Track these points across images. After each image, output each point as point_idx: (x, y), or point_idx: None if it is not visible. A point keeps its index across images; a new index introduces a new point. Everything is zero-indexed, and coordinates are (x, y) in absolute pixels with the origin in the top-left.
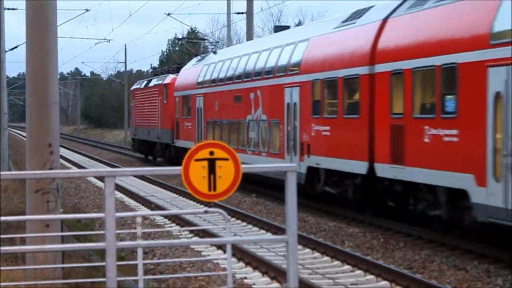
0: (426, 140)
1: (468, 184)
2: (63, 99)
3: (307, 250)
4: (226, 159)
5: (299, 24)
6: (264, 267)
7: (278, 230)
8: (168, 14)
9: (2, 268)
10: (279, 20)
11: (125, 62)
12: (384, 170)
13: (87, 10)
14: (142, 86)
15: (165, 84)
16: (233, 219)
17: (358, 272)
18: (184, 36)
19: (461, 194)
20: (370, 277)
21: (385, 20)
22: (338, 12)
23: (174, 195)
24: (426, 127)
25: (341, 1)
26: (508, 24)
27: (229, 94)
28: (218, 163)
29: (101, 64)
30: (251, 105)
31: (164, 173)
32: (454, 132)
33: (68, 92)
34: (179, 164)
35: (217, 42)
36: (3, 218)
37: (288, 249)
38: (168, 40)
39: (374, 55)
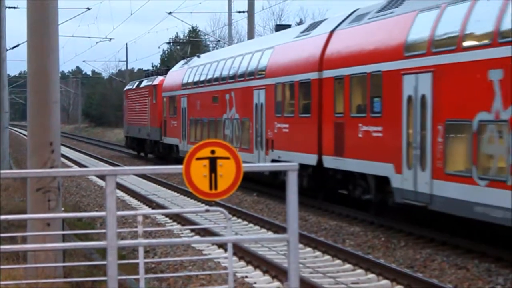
0: (360, 135)
1: (389, 172)
2: (64, 97)
3: (308, 249)
4: (227, 158)
5: (300, 23)
6: (265, 266)
7: (279, 229)
8: (169, 13)
9: (3, 266)
10: (280, 19)
11: (126, 61)
12: (329, 161)
13: (88, 9)
14: (134, 86)
15: (154, 85)
16: (234, 218)
17: (359, 271)
18: (185, 35)
19: (385, 181)
20: (371, 276)
21: (331, 32)
22: (338, 11)
23: (175, 194)
24: (360, 124)
25: (341, 0)
26: (417, 38)
27: (208, 95)
28: (219, 162)
29: (102, 63)
30: (227, 105)
31: (165, 172)
32: (379, 129)
33: (69, 90)
34: (167, 159)
35: (218, 41)
36: (4, 217)
37: (289, 248)
38: (169, 38)
39: (322, 63)
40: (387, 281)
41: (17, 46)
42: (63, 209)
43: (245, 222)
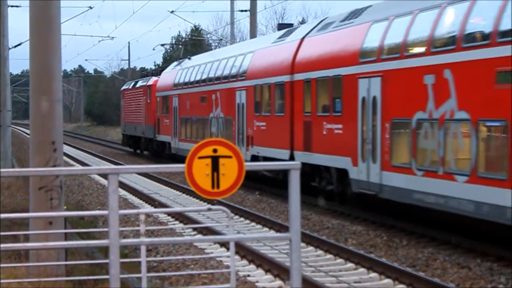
0: (324, 132)
1: (348, 165)
2: (66, 96)
3: (311, 248)
4: (230, 157)
5: (303, 21)
6: (267, 264)
7: (281, 228)
8: (172, 12)
9: (5, 265)
10: (282, 18)
11: (129, 60)
12: (299, 156)
13: (91, 8)
14: (130, 87)
15: (149, 86)
16: (237, 216)
17: (361, 270)
18: (188, 33)
19: (345, 173)
20: (373, 275)
21: (302, 39)
22: (341, 10)
23: (178, 192)
24: (324, 122)
25: (343, 0)
26: (370, 47)
27: (197, 95)
28: (221, 160)
29: (105, 61)
30: (213, 105)
31: (167, 171)
32: (340, 126)
33: (72, 89)
34: (160, 156)
35: (221, 39)
36: (6, 215)
37: (291, 246)
38: (172, 37)
39: (293, 67)
40: (389, 280)
41: (19, 44)
42: (65, 207)
43: (247, 221)
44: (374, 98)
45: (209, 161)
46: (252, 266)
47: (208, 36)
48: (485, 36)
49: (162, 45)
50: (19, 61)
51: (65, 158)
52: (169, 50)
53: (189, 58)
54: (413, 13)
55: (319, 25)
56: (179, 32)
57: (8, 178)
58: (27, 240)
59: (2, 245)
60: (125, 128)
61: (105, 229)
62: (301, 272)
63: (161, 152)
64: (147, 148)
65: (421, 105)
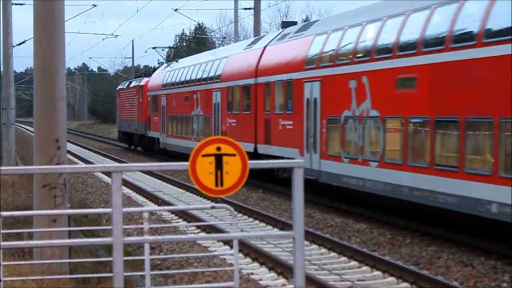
0: (280, 128)
1: (297, 155)
2: (70, 94)
3: (314, 246)
4: (233, 155)
5: (307, 19)
6: (270, 262)
7: (285, 226)
8: (176, 10)
9: (9, 263)
10: (286, 16)
11: (132, 58)
12: (261, 148)
13: (95, 6)
14: (125, 86)
15: (141, 86)
16: (240, 214)
17: (365, 268)
18: (192, 31)
19: None
20: (377, 273)
21: (265, 47)
22: (344, 8)
23: (181, 190)
24: (280, 119)
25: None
26: (313, 55)
27: (181, 95)
28: (225, 158)
29: (109, 59)
30: (194, 104)
31: (171, 169)
32: (291, 123)
33: (75, 87)
34: (151, 150)
35: (224, 38)
36: (10, 213)
37: (295, 244)
38: (175, 35)
39: (257, 71)
40: (393, 278)
41: (23, 42)
42: (69, 205)
43: (251, 219)
44: (315, 99)
45: (212, 159)
46: (256, 264)
47: (212, 34)
48: (389, 50)
49: (154, 48)
50: (23, 59)
51: (68, 156)
52: (172, 49)
53: (177, 61)
54: (344, 28)
55: (278, 36)
56: (183, 30)
57: (12, 176)
58: (31, 238)
59: (6, 243)
60: (120, 125)
61: (109, 227)
62: (305, 270)
63: (151, 147)
64: (139, 144)
65: (347, 105)
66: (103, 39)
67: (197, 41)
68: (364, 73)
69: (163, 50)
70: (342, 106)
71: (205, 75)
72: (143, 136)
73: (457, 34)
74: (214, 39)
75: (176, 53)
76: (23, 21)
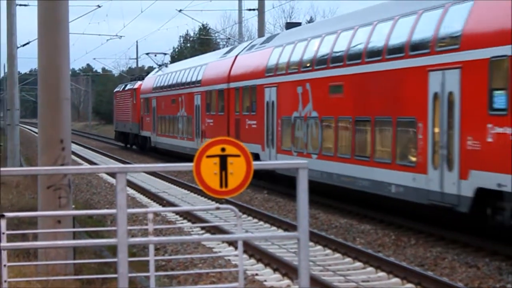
0: (247, 127)
1: (259, 150)
2: (74, 95)
3: (319, 247)
4: (238, 156)
5: (311, 20)
6: (275, 263)
7: (290, 227)
8: (180, 11)
9: (14, 264)
10: (290, 17)
11: (137, 59)
12: None
13: (99, 6)
14: (121, 89)
15: (134, 89)
16: (245, 215)
17: (370, 269)
18: (196, 32)
19: (258, 157)
20: (382, 274)
21: (236, 56)
22: (348, 9)
23: (186, 191)
24: (247, 119)
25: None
26: (271, 65)
27: (169, 98)
28: (229, 159)
29: (113, 60)
30: (179, 106)
31: (175, 170)
32: (255, 122)
33: (80, 88)
34: (144, 148)
35: (229, 38)
36: (15, 214)
37: (300, 245)
38: (180, 36)
39: (229, 78)
40: (398, 279)
41: (28, 43)
42: (73, 206)
43: (256, 220)
44: (273, 102)
45: (217, 160)
46: (260, 265)
47: (216, 35)
48: (324, 61)
49: (147, 54)
50: (27, 60)
51: (73, 157)
52: (176, 50)
53: (166, 66)
54: (294, 42)
55: (248, 46)
56: (187, 31)
57: (16, 176)
58: (36, 238)
59: (11, 244)
60: (117, 125)
61: (114, 228)
62: (309, 271)
63: (144, 146)
64: (134, 143)
65: (296, 107)
66: (107, 40)
67: (201, 42)
68: (308, 81)
69: (155, 55)
70: (292, 108)
71: (188, 80)
72: (136, 135)
73: (369, 51)
74: (218, 40)
75: (181, 54)
76: (27, 22)
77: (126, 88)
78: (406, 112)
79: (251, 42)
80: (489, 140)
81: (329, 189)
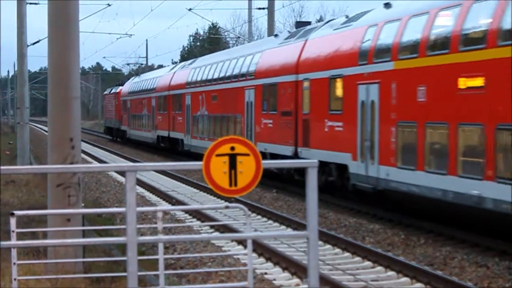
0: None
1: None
2: (84, 93)
3: (328, 246)
4: (247, 155)
5: (320, 19)
6: (284, 262)
7: (299, 226)
8: (190, 9)
9: (23, 262)
10: (300, 16)
11: (146, 57)
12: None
13: (109, 5)
14: (109, 92)
15: (117, 93)
16: (254, 214)
17: (379, 268)
18: (205, 31)
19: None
20: (391, 273)
21: (174, 72)
22: (359, 9)
23: (195, 190)
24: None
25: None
26: (252, 69)
27: (138, 100)
28: (239, 158)
29: (123, 59)
30: (144, 107)
31: (185, 168)
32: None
33: (90, 86)
34: (123, 139)
35: (238, 37)
36: (24, 212)
37: (309, 245)
38: (189, 35)
39: (175, 86)
40: (407, 279)
41: (37, 42)
42: (83, 204)
43: (265, 219)
44: (251, 103)
45: (226, 159)
46: (270, 264)
47: (226, 34)
48: (242, 75)
49: (127, 64)
50: (37, 58)
51: (82, 155)
52: (186, 48)
53: (139, 76)
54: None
55: (194, 63)
56: (197, 29)
57: (26, 175)
58: (45, 237)
59: (20, 242)
60: (105, 121)
61: (123, 227)
62: (319, 270)
63: (123, 137)
64: (117, 136)
65: (199, 108)
66: (117, 38)
67: (211, 41)
68: (204, 92)
69: (135, 65)
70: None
71: (148, 87)
72: (118, 129)
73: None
74: (228, 39)
75: (190, 52)
76: (37, 20)
77: (112, 92)
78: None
79: (203, 55)
80: None
81: (407, 204)
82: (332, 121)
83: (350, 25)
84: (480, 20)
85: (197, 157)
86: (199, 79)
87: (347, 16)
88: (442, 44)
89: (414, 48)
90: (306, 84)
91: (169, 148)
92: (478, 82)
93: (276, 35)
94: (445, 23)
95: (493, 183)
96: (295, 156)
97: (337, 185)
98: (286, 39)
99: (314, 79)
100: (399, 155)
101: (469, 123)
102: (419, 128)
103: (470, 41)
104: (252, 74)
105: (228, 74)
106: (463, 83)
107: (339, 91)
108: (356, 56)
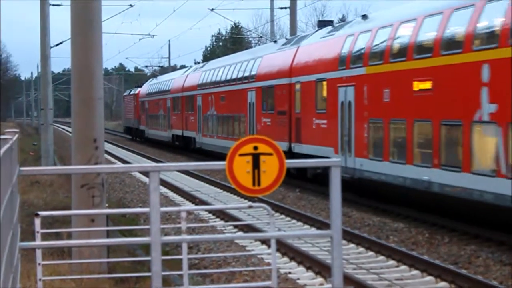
0: (192, 119)
1: (194, 135)
2: (107, 94)
3: (352, 245)
4: (270, 154)
5: (343, 19)
6: (308, 262)
7: (322, 225)
8: (212, 10)
9: (48, 262)
10: (322, 15)
11: (169, 58)
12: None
13: (131, 6)
14: (128, 94)
15: (135, 94)
16: (277, 214)
17: (403, 267)
18: (228, 31)
19: (193, 140)
20: (415, 272)
21: (187, 76)
22: (380, 7)
23: (218, 190)
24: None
25: None
26: (254, 72)
27: (155, 101)
28: (262, 158)
29: (145, 59)
30: (160, 107)
31: (208, 168)
32: (193, 118)
33: (113, 87)
34: (143, 138)
35: (260, 37)
36: (49, 213)
37: (333, 244)
38: (212, 35)
39: (183, 88)
40: (431, 278)
41: (61, 43)
42: (107, 205)
43: (288, 218)
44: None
45: (249, 158)
46: (293, 264)
47: (248, 34)
48: (245, 78)
49: (146, 66)
50: (60, 59)
51: (106, 156)
52: (209, 48)
53: (157, 78)
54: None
55: (192, 68)
56: (219, 30)
57: (50, 176)
58: (70, 237)
59: (45, 242)
60: (125, 122)
61: (147, 227)
62: (343, 270)
63: (142, 136)
64: (136, 135)
65: (208, 108)
66: (139, 39)
67: (233, 41)
68: (213, 93)
69: (156, 66)
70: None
71: (163, 89)
72: (137, 129)
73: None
74: (250, 39)
75: (213, 52)
76: (60, 22)
77: (131, 93)
78: None
79: (203, 65)
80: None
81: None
82: (319, 119)
83: (333, 34)
84: (428, 33)
85: (208, 154)
86: (208, 81)
87: (334, 24)
88: (399, 52)
89: (380, 55)
90: (297, 86)
91: (183, 147)
92: (427, 85)
93: (275, 41)
94: (405, 33)
95: (438, 170)
96: (289, 151)
97: (325, 177)
98: (283, 45)
99: (304, 81)
100: (370, 148)
101: (421, 119)
102: (384, 124)
103: (421, 50)
104: (253, 77)
105: (233, 77)
106: (417, 86)
107: (324, 93)
108: (337, 61)
